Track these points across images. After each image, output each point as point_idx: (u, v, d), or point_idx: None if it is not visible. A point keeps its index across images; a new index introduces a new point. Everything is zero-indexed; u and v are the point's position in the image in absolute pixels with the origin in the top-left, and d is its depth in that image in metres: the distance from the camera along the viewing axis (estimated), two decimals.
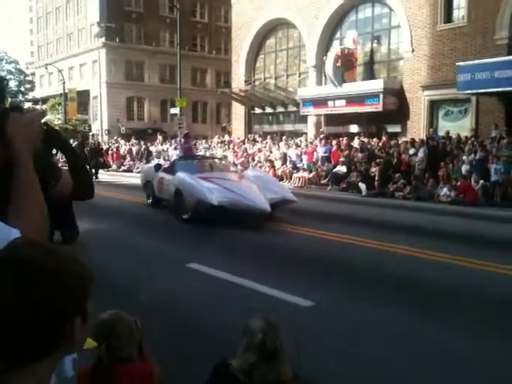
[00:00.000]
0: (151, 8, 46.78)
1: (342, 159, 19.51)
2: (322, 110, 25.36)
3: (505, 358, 4.19)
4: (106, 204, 12.75)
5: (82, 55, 49.17)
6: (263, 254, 7.99)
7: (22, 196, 1.38)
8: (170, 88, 41.00)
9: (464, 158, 16.28)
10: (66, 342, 0.97)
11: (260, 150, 24.35)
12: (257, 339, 2.17)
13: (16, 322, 0.91)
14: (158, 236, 9.64)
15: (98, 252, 7.50)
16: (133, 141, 32.89)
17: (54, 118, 43.57)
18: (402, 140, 20.04)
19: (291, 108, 28.44)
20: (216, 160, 14.52)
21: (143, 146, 30.35)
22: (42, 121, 1.52)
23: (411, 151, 17.79)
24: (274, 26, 29.90)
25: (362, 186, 17.21)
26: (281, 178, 20.32)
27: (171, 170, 12.41)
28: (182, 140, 16.16)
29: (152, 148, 30.00)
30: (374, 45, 24.97)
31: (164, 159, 25.02)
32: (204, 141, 30.57)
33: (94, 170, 21.04)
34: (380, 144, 19.93)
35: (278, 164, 21.96)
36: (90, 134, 35.79)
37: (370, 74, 24.82)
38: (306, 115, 26.85)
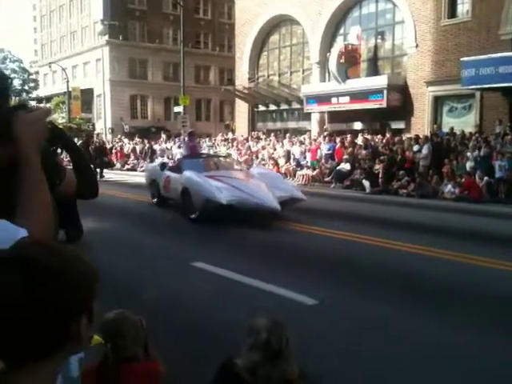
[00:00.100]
0: (154, 5, 46.77)
1: (345, 156, 19.47)
2: (326, 107, 25.31)
3: (508, 355, 4.18)
4: (110, 203, 12.75)
5: (85, 53, 49.21)
6: (269, 253, 7.98)
7: (29, 195, 1.38)
8: (173, 86, 41.01)
9: (468, 154, 16.22)
10: (72, 342, 0.98)
11: (264, 148, 24.33)
12: (261, 338, 2.17)
13: (21, 321, 0.92)
14: (163, 235, 9.62)
15: (103, 251, 7.52)
16: (136, 139, 32.90)
17: (58, 117, 43.65)
18: (405, 136, 19.99)
19: (295, 105, 28.41)
20: (222, 158, 14.40)
21: (147, 145, 30.34)
22: (47, 119, 1.52)
23: (415, 148, 17.74)
24: (278, 23, 29.84)
25: (366, 183, 17.18)
26: (284, 176, 20.30)
27: (177, 168, 12.28)
28: (187, 138, 16.12)
29: (156, 146, 30.00)
30: (378, 40, 24.90)
31: (168, 158, 25.02)
32: (207, 139, 30.55)
33: (98, 170, 21.03)
34: (384, 141, 19.88)
35: (281, 162, 21.94)
36: (95, 133, 35.85)
37: (373, 70, 24.76)
38: (310, 112, 26.81)
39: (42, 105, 44.95)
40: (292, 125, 29.45)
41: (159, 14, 47.16)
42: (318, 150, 21.25)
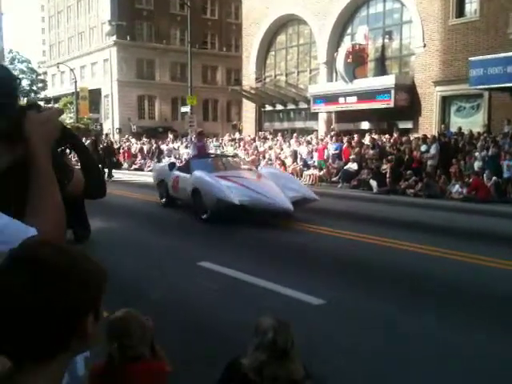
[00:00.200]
0: (162, 6, 46.86)
1: (352, 156, 19.42)
2: (333, 107, 25.26)
3: (507, 354, 4.16)
4: (118, 203, 12.79)
5: (93, 54, 49.41)
6: (276, 253, 7.97)
7: (39, 195, 1.38)
8: (180, 86, 41.08)
9: (476, 154, 16.13)
10: (79, 340, 0.98)
11: (271, 148, 24.32)
12: (268, 338, 2.17)
13: (29, 320, 0.92)
14: (171, 235, 9.61)
15: (111, 251, 7.55)
16: (144, 139, 32.99)
17: (66, 117, 43.84)
18: (413, 136, 19.91)
19: (302, 105, 28.37)
20: (230, 158, 14.32)
21: (154, 145, 30.41)
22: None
23: (423, 148, 17.66)
24: (285, 23, 29.82)
25: (373, 183, 17.12)
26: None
27: (186, 168, 12.19)
28: (195, 138, 16.13)
29: (163, 146, 30.06)
30: (386, 40, 24.81)
31: (175, 157, 25.06)
32: (214, 139, 30.58)
33: (107, 170, 21.00)
34: (391, 141, 19.81)
35: (288, 162, 21.91)
36: (104, 133, 35.95)
37: (381, 70, 24.68)
38: (317, 112, 26.76)
39: (49, 105, 45.17)
40: (299, 125, 29.42)
41: (166, 14, 47.26)
42: (325, 150, 21.20)
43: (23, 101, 48.01)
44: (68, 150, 1.66)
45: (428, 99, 22.19)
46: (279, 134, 26.45)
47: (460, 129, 19.12)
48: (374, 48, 24.98)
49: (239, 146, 27.17)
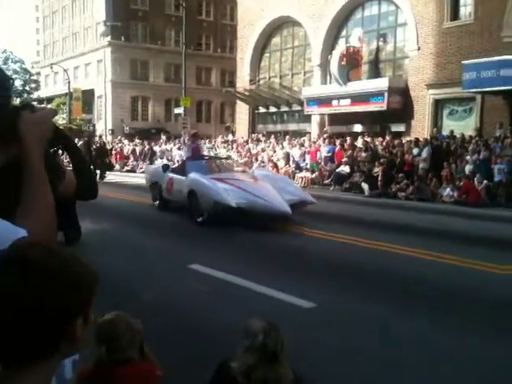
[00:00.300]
0: (157, 6, 46.78)
1: (345, 159, 19.46)
2: (327, 109, 25.31)
3: (502, 358, 4.18)
4: (109, 204, 12.71)
5: (87, 54, 49.26)
6: (268, 256, 7.97)
7: (31, 196, 1.38)
8: (174, 87, 41.04)
9: (468, 157, 16.21)
10: (68, 343, 0.98)
11: (263, 150, 24.33)
12: (258, 340, 2.16)
13: (17, 322, 0.92)
14: (163, 237, 9.55)
15: (101, 253, 7.51)
16: (136, 141, 32.89)
17: (59, 118, 43.65)
18: (405, 139, 19.98)
19: (296, 107, 28.40)
20: (226, 160, 14.17)
21: (147, 146, 30.31)
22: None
23: (415, 151, 17.73)
24: (280, 25, 29.85)
25: (365, 186, 17.17)
26: None
27: (181, 170, 12.05)
28: (189, 140, 16.07)
29: (156, 148, 30.00)
30: (380, 43, 24.88)
31: (167, 159, 25.01)
32: (207, 140, 30.56)
33: (99, 171, 20.85)
34: (384, 144, 19.87)
35: (281, 164, 21.93)
36: (98, 134, 35.82)
37: (375, 73, 24.75)
38: (310, 114, 26.81)
39: (42, 105, 44.98)
40: (292, 127, 29.45)
41: (161, 15, 47.20)
42: (318, 153, 21.25)
43: (16, 101, 47.78)
44: (60, 151, 1.66)
45: (421, 102, 22.28)
46: (272, 136, 26.46)
47: (452, 132, 19.21)
48: (368, 51, 25.04)
49: (232, 147, 27.16)
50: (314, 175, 20.27)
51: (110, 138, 40.69)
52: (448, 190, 15.37)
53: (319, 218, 11.17)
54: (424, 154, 17.12)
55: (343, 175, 18.96)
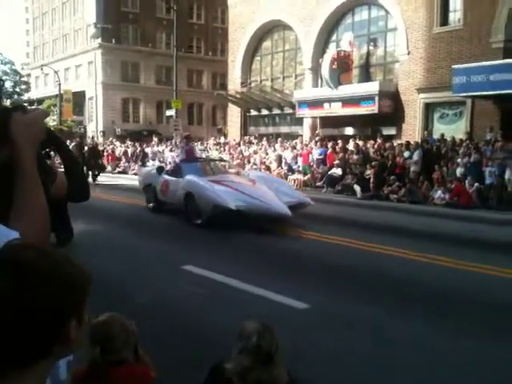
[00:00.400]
0: (148, 9, 46.72)
1: (337, 161, 19.52)
2: (318, 112, 25.38)
3: (498, 361, 4.20)
4: (102, 206, 12.66)
5: (77, 56, 49.09)
6: (263, 258, 7.96)
7: (23, 198, 1.37)
8: (165, 89, 40.99)
9: (458, 160, 16.32)
10: (61, 345, 0.97)
11: (255, 152, 24.35)
12: (252, 342, 2.16)
13: (10, 325, 0.91)
14: (158, 239, 9.47)
15: (93, 254, 7.48)
16: (128, 142, 32.78)
17: (50, 120, 43.43)
18: (396, 142, 20.08)
19: (287, 110, 28.46)
20: (221, 162, 14.10)
21: (139, 148, 30.24)
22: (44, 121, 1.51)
23: (406, 154, 17.83)
24: (271, 28, 29.92)
25: (357, 188, 17.24)
26: None
27: (176, 172, 11.99)
28: (183, 142, 16.00)
29: (148, 149, 29.93)
30: (371, 47, 25.03)
31: (159, 161, 24.95)
32: (199, 143, 30.53)
33: (91, 172, 20.72)
34: (375, 146, 19.96)
35: (273, 166, 21.96)
36: (90, 136, 35.66)
37: (365, 77, 24.87)
38: (302, 117, 26.88)
39: (33, 107, 44.65)
40: (284, 129, 29.49)
41: (152, 17, 47.14)
42: (310, 155, 21.31)
43: (6, 102, 47.48)
44: (52, 153, 1.65)
45: (411, 106, 22.41)
46: (264, 139, 26.49)
47: (443, 135, 19.33)
48: (358, 55, 25.16)
49: (224, 150, 27.17)
50: (306, 177, 20.32)
51: (101, 139, 40.54)
52: (439, 192, 15.46)
53: (315, 220, 11.16)
54: (415, 156, 17.22)
55: (335, 177, 19.02)
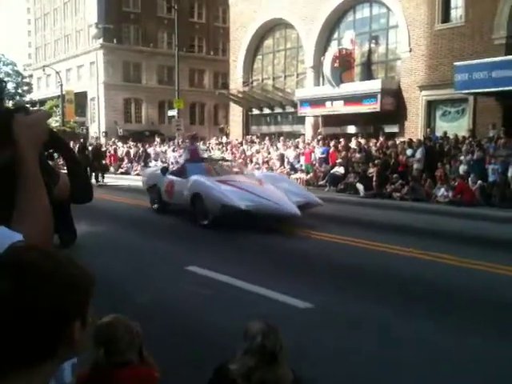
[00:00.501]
0: (149, 9, 46.75)
1: (339, 160, 19.50)
2: (320, 111, 25.35)
3: (501, 359, 4.19)
4: (105, 207, 12.66)
5: (79, 57, 49.14)
6: (266, 257, 7.95)
7: (26, 199, 1.36)
8: (167, 89, 41.00)
9: (461, 158, 16.28)
10: (66, 347, 0.96)
11: (258, 152, 24.34)
12: (256, 342, 2.16)
13: (13, 326, 0.91)
14: (163, 240, 9.45)
15: (97, 255, 7.49)
16: (130, 143, 32.78)
17: (52, 121, 43.51)
18: (399, 140, 20.05)
19: (289, 109, 28.44)
20: (227, 162, 13.94)
21: (141, 148, 30.21)
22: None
23: (409, 152, 17.80)
24: (272, 27, 29.90)
25: (360, 186, 17.22)
26: None
27: (182, 173, 11.85)
28: (188, 142, 15.91)
29: (150, 150, 29.93)
30: (372, 45, 24.97)
31: (162, 161, 24.94)
32: (202, 142, 30.54)
33: (94, 173, 20.65)
34: (377, 144, 19.93)
35: (275, 165, 21.96)
36: (93, 137, 35.68)
37: (367, 75, 24.82)
38: (304, 116, 26.86)
39: (35, 108, 44.74)
40: (286, 128, 29.47)
41: (154, 17, 47.16)
42: (312, 154, 21.29)
43: (9, 104, 47.58)
44: (55, 154, 1.64)
45: (414, 103, 22.37)
46: (266, 138, 26.47)
47: (445, 133, 19.29)
48: (360, 53, 25.12)
49: (226, 149, 27.17)
50: (308, 176, 20.31)
51: (103, 140, 40.58)
52: (442, 190, 15.43)
53: (317, 219, 11.11)
54: (418, 154, 17.19)
55: (338, 176, 19.00)
